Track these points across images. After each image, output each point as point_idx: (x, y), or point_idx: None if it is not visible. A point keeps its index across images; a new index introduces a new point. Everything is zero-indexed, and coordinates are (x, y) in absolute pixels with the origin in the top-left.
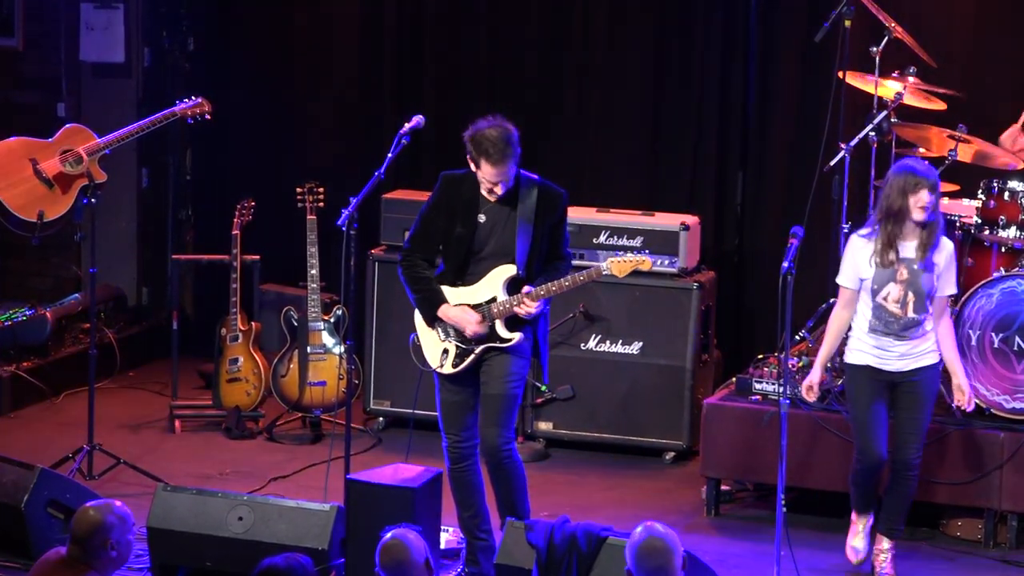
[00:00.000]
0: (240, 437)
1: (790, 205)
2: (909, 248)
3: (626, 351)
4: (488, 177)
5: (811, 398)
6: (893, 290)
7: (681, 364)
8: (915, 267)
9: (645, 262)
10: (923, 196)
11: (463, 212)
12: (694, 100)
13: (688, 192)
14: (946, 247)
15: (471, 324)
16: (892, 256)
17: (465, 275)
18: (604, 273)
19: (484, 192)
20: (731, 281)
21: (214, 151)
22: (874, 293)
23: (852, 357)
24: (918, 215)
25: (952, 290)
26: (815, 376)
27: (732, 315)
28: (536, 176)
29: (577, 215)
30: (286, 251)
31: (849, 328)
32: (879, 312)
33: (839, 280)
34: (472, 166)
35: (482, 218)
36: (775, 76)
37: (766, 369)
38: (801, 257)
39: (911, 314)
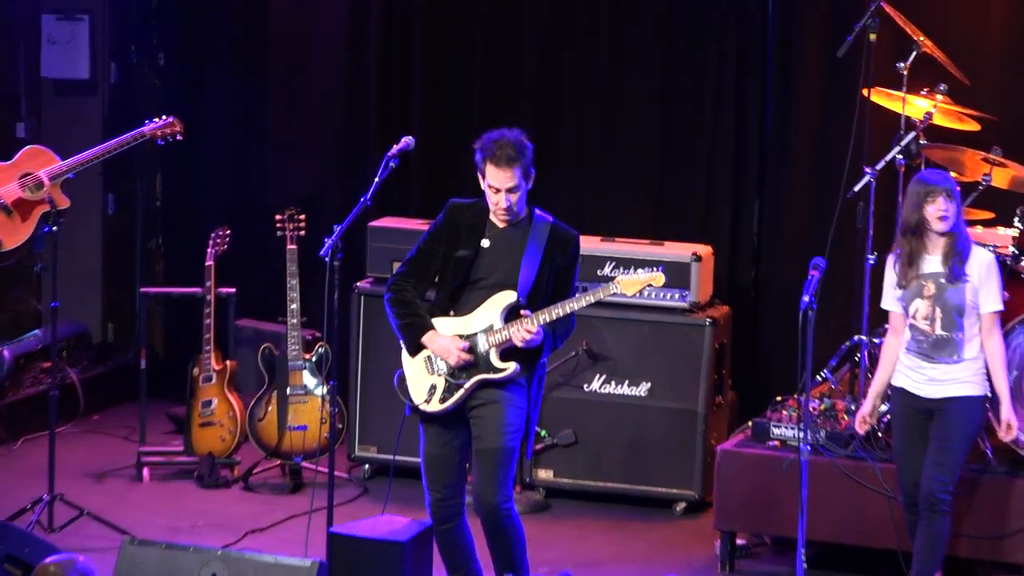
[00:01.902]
0: (214, 486)
1: (811, 234)
2: (934, 262)
3: (633, 393)
4: (492, 182)
5: (862, 430)
6: (921, 306)
7: (693, 407)
8: (941, 281)
9: (658, 278)
10: (939, 204)
11: (466, 235)
12: (706, 120)
13: (700, 220)
14: (981, 257)
15: (452, 354)
16: (914, 272)
17: (459, 303)
18: (614, 292)
19: (492, 216)
20: (747, 317)
21: (186, 175)
22: (906, 312)
23: (894, 378)
24: (937, 225)
25: (995, 306)
26: (866, 407)
27: (748, 354)
28: (550, 216)
29: (581, 245)
30: (264, 284)
31: None
32: (913, 330)
33: (883, 305)
34: (481, 180)
35: (486, 243)
36: (794, 95)
37: (785, 412)
38: (823, 290)
39: (939, 331)
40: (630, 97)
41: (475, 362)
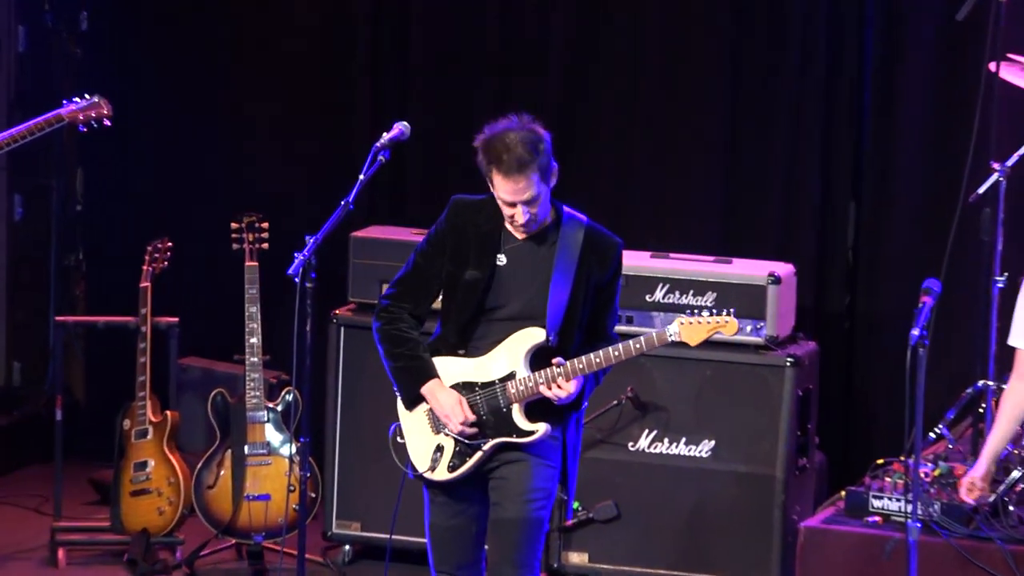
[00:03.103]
0: (150, 573)
1: (923, 248)
2: None
3: (692, 453)
4: (502, 194)
5: (971, 499)
6: None
7: (769, 472)
8: None
9: (729, 324)
10: None
11: (477, 249)
12: (787, 104)
13: (779, 231)
14: None
15: (452, 422)
16: None
17: (471, 340)
18: (671, 340)
19: (508, 225)
20: (839, 355)
21: (115, 171)
22: None
23: None
24: None
25: None
26: (979, 469)
27: (840, 403)
28: (584, 216)
29: (624, 262)
30: (215, 311)
31: None
32: None
33: (1012, 341)
34: (489, 185)
35: (502, 260)
36: (899, 71)
37: (888, 480)
38: (939, 321)
39: None
40: (686, 67)
41: (494, 421)
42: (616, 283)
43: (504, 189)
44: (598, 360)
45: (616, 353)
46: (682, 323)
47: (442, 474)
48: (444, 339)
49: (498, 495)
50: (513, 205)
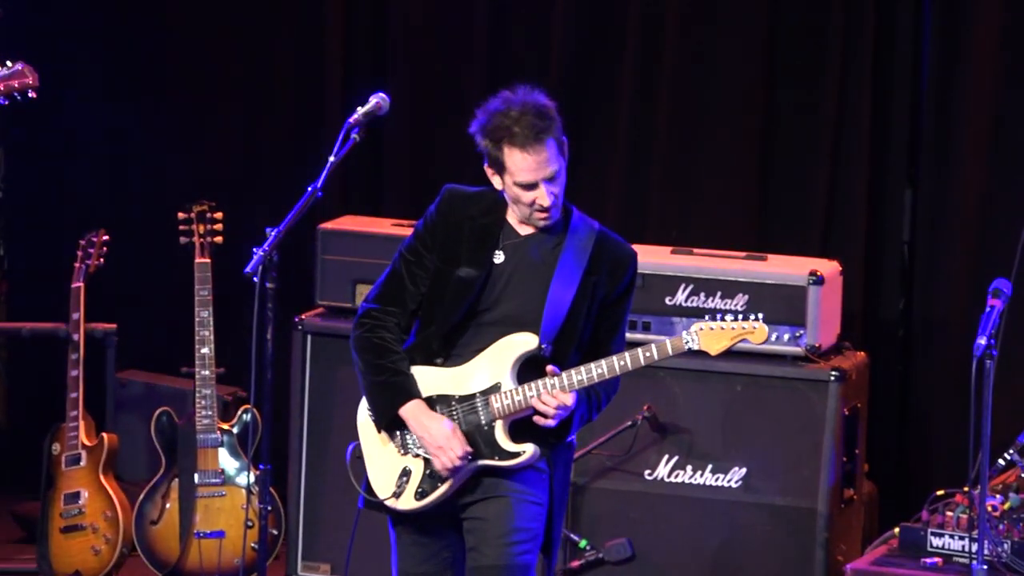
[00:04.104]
0: None
1: (989, 244)
2: None
3: (721, 483)
4: (521, 175)
5: None
6: None
7: (810, 504)
8: None
9: (758, 331)
10: None
11: (473, 244)
12: (831, 74)
13: (822, 223)
14: None
15: (446, 455)
16: None
17: (455, 346)
18: (688, 347)
19: (512, 216)
20: (893, 368)
21: (43, 152)
22: None
23: None
24: None
25: None
26: None
27: (894, 424)
28: (596, 222)
29: (640, 259)
30: (159, 316)
31: None
32: None
33: None
34: (494, 177)
35: (499, 256)
36: (963, 32)
37: (950, 514)
38: (1009, 329)
39: None
40: (713, 37)
41: (473, 440)
42: (627, 301)
43: (524, 167)
44: (600, 371)
45: (622, 363)
46: (701, 329)
47: (408, 502)
48: (423, 345)
49: (475, 539)
50: (534, 186)
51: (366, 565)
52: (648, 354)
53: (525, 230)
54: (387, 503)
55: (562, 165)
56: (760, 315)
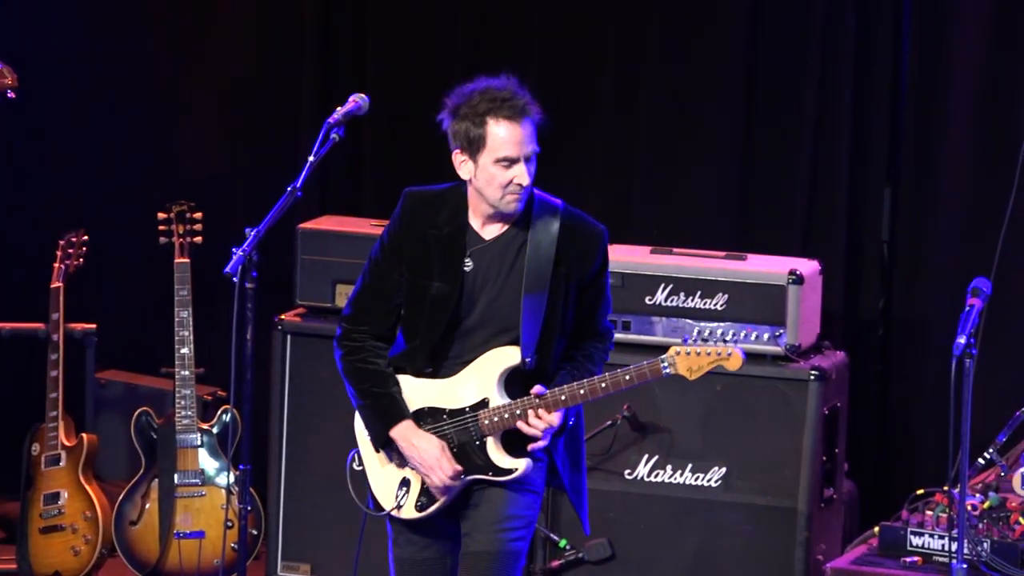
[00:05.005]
0: None
1: (970, 243)
2: None
3: (701, 483)
4: (505, 149)
5: None
6: None
7: (790, 504)
8: None
9: (732, 357)
10: None
11: (442, 257)
12: (812, 72)
13: (802, 222)
14: None
15: (436, 476)
16: None
17: (442, 357)
18: (665, 372)
19: (475, 219)
20: (872, 367)
21: (19, 149)
22: None
23: None
24: None
25: None
26: None
27: (874, 423)
28: (558, 200)
29: (620, 258)
30: (140, 316)
31: None
32: None
33: None
34: (464, 164)
35: (468, 264)
36: (945, 32)
37: (930, 513)
38: (989, 329)
39: None
40: (694, 36)
41: (467, 455)
42: (603, 277)
43: (509, 139)
44: (583, 392)
45: (604, 385)
46: (678, 353)
47: (409, 512)
48: (411, 357)
49: (469, 525)
50: (515, 161)
51: (351, 564)
52: (628, 378)
53: (489, 232)
54: (391, 513)
55: (537, 152)
56: (736, 341)
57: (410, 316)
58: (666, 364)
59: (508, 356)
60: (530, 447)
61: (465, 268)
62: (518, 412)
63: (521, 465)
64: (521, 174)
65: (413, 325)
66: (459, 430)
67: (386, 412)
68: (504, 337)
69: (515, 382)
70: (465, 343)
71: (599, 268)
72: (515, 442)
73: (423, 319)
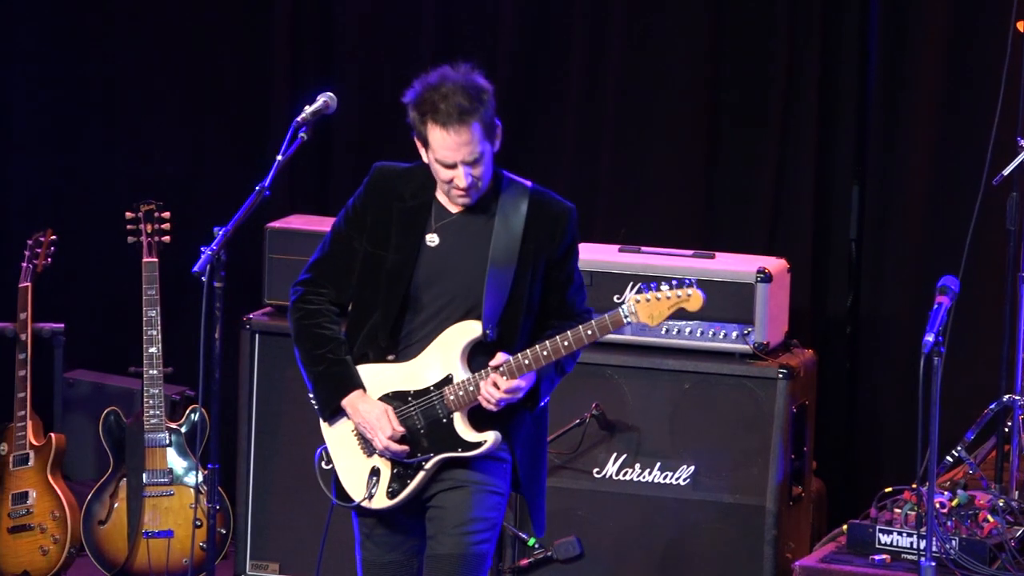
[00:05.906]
0: None
1: (937, 241)
2: None
3: (669, 481)
4: (441, 153)
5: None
6: None
7: (759, 502)
8: None
9: (693, 297)
10: None
11: (401, 228)
12: (777, 70)
13: (769, 221)
14: None
15: (381, 435)
16: None
17: (403, 337)
18: (626, 321)
19: (442, 195)
20: (840, 365)
21: None
22: None
23: None
24: None
25: None
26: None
27: (842, 421)
28: (528, 181)
29: (588, 257)
30: (107, 316)
31: None
32: None
33: None
34: (421, 149)
35: (433, 240)
36: (910, 28)
37: (898, 511)
38: (957, 326)
39: None
40: (658, 31)
41: (434, 434)
42: (572, 256)
43: (443, 145)
44: (545, 353)
45: (566, 343)
46: (638, 300)
47: (381, 501)
48: (372, 340)
49: (434, 527)
50: (453, 166)
51: (324, 565)
52: (590, 332)
53: (458, 208)
54: (362, 505)
55: (488, 149)
56: (694, 280)
57: (368, 292)
58: (626, 313)
59: (469, 330)
60: (485, 406)
61: (429, 243)
62: (482, 382)
63: (490, 438)
64: (459, 177)
65: (371, 301)
66: (425, 409)
67: (339, 380)
68: (469, 316)
69: (479, 357)
70: (429, 323)
71: (568, 246)
72: (483, 417)
73: (376, 292)
